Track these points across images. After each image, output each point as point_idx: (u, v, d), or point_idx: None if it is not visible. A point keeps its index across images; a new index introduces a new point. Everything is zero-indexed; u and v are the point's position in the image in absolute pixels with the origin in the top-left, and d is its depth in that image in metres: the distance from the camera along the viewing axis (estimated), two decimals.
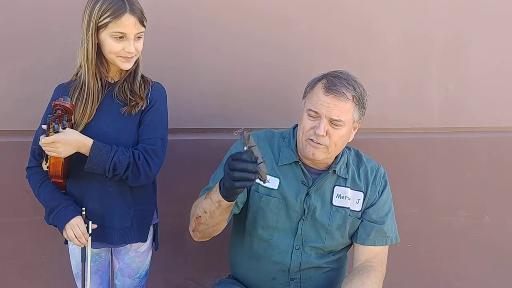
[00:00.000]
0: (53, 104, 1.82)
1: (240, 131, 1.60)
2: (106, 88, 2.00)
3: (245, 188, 1.91)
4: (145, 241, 2.13)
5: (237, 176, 1.65)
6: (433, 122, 2.69)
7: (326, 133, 1.92)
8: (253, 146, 1.63)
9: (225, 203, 1.80)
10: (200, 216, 1.92)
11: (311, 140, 1.94)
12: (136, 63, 2.00)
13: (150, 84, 2.04)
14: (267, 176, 1.67)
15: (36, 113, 2.11)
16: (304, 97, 2.04)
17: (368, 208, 2.08)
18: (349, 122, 1.95)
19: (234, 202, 1.84)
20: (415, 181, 2.72)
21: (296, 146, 2.05)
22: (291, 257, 2.04)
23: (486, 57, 2.68)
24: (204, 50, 2.46)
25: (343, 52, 2.57)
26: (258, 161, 1.63)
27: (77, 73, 2.00)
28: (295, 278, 2.06)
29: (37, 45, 2.34)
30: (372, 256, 2.06)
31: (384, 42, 2.60)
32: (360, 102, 1.96)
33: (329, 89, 1.92)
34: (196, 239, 2.05)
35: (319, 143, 1.93)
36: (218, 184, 1.80)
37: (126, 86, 1.99)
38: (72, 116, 1.93)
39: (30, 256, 2.51)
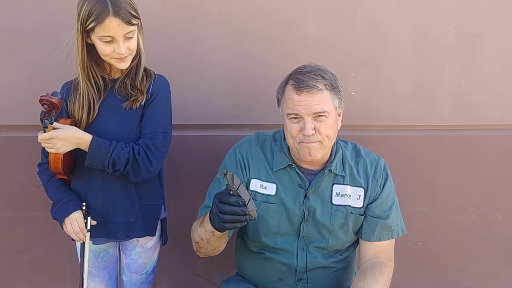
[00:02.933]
0: (39, 100, 1.81)
1: (223, 172, 1.59)
2: (109, 84, 1.99)
3: None
4: (154, 235, 2.13)
5: (227, 219, 1.65)
6: (444, 119, 2.66)
7: (315, 130, 1.89)
8: (239, 185, 1.62)
9: (218, 233, 1.79)
10: (198, 242, 1.93)
11: (303, 142, 1.92)
12: (138, 58, 1.98)
13: (153, 77, 2.02)
14: (256, 212, 1.66)
15: None
16: (278, 105, 2.02)
17: (371, 203, 2.04)
18: (332, 110, 1.92)
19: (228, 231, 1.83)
20: (425, 179, 2.69)
21: (289, 149, 2.02)
22: (297, 258, 2.03)
23: (499, 53, 2.64)
24: (210, 48, 2.45)
25: (352, 49, 2.54)
26: (247, 202, 1.62)
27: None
28: (302, 279, 2.05)
29: (46, 40, 2.33)
30: (379, 252, 2.04)
31: (395, 39, 2.57)
32: (333, 87, 1.93)
33: (299, 88, 1.89)
34: (201, 257, 2.04)
35: (312, 142, 1.91)
36: (208, 215, 1.78)
37: (127, 81, 1.98)
38: (70, 113, 1.94)
39: (39, 251, 2.53)
